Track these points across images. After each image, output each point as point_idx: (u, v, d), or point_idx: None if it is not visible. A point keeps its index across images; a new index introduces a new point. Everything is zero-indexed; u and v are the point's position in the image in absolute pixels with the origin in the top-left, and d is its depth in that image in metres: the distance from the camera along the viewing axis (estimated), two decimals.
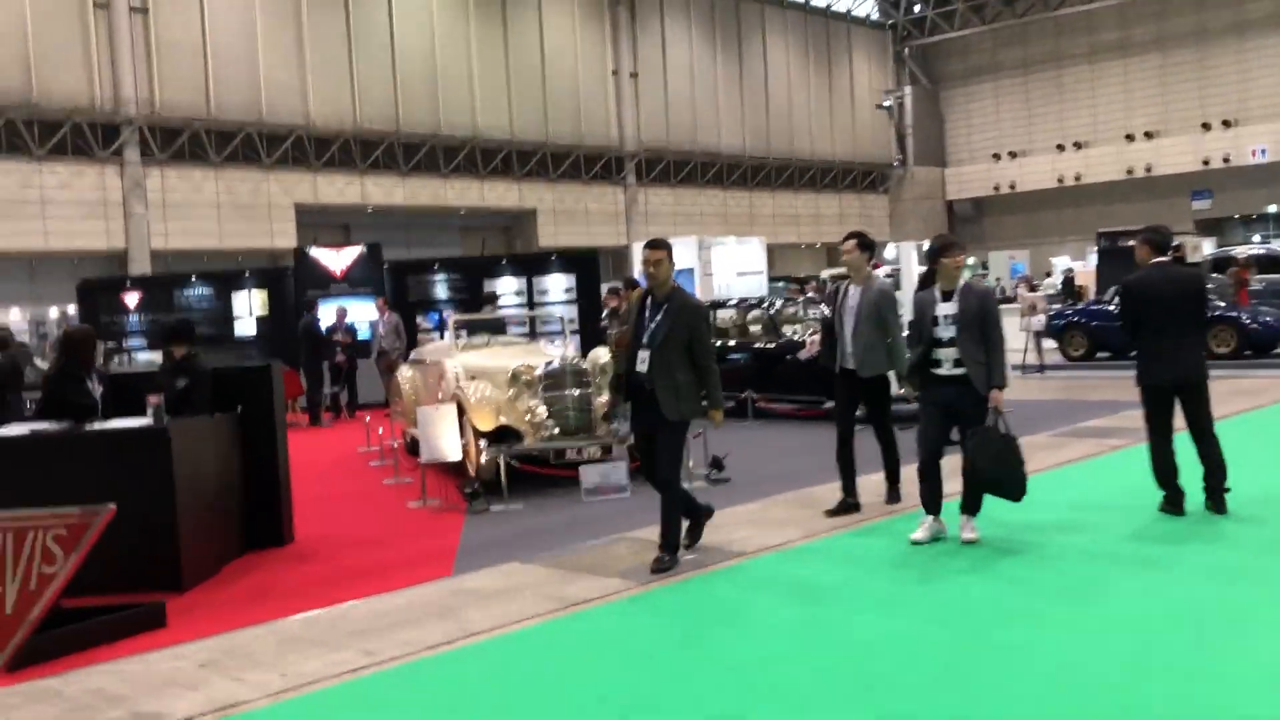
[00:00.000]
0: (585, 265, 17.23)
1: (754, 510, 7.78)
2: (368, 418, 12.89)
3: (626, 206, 42.86)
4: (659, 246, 6.60)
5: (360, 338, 16.23)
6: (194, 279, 17.83)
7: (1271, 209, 46.89)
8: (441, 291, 17.37)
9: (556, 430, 8.84)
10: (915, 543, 6.45)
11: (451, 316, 11.60)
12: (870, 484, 7.80)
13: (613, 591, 5.80)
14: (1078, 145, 49.44)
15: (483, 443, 8.75)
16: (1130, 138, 48.08)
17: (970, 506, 6.50)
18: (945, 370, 6.46)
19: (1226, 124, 45.90)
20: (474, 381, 9.22)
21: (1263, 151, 45.34)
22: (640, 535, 7.01)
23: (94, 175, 29.20)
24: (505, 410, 8.94)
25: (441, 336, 16.77)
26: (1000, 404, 6.37)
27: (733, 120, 45.80)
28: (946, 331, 6.45)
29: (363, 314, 16.72)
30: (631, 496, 8.36)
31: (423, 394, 11.15)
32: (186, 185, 31.07)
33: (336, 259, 17.38)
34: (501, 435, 8.91)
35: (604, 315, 12.96)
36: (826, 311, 7.98)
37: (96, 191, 29.23)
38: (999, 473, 6.29)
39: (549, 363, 9.14)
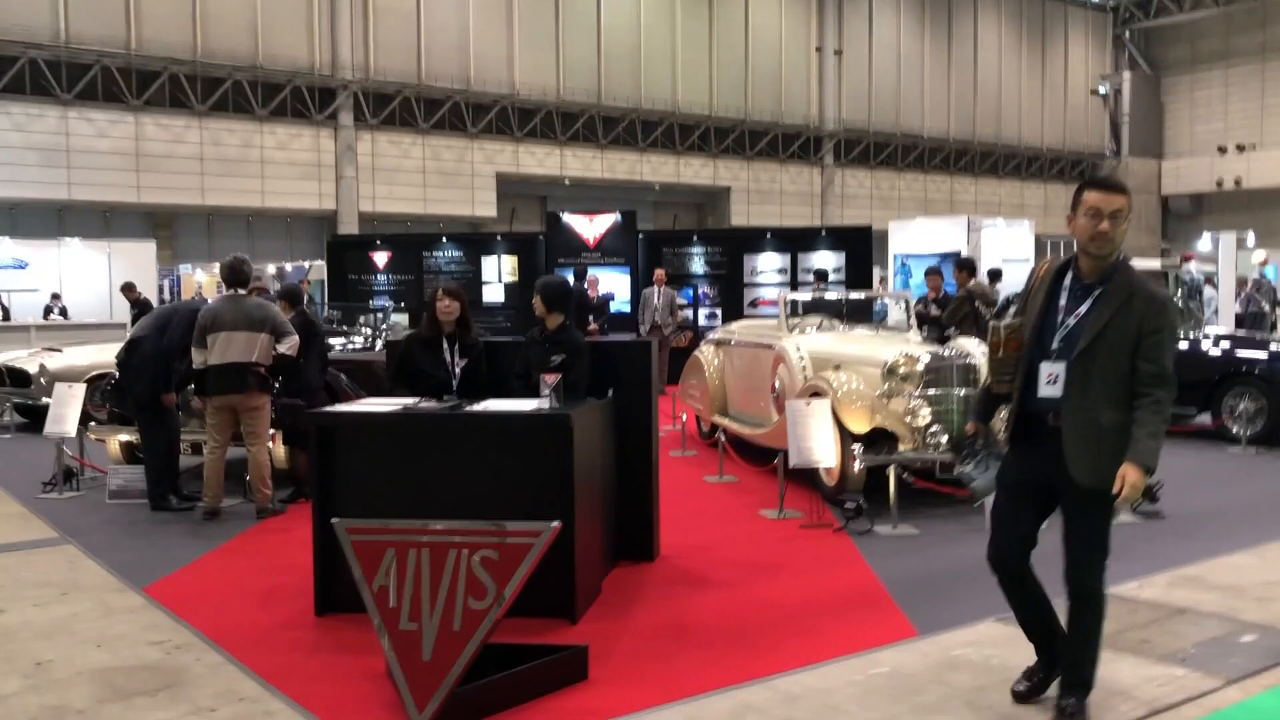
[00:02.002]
0: (856, 241, 15.64)
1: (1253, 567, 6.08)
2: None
3: (823, 188, 41.15)
4: (1121, 190, 3.83)
5: (614, 310, 15.07)
6: (444, 240, 16.99)
7: None
8: (698, 265, 16.08)
9: (946, 437, 7.30)
10: None
11: (783, 294, 10.07)
12: None
13: (1200, 692, 4.22)
14: None
15: (856, 447, 7.27)
16: None
17: None
18: None
19: None
20: (838, 372, 7.74)
21: None
22: (1120, 592, 5.41)
23: (309, 137, 29.20)
24: (879, 409, 7.46)
25: (695, 313, 15.51)
26: None
27: (938, 102, 43.46)
28: None
29: (611, 284, 15.57)
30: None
31: (733, 380, 9.78)
32: (395, 150, 30.89)
33: (590, 226, 16.30)
34: (870, 440, 7.44)
35: (918, 301, 11.29)
36: None
37: (311, 153, 29.26)
38: None
39: (930, 354, 7.59)
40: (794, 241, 16.10)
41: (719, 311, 15.82)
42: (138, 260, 20.02)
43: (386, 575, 4.09)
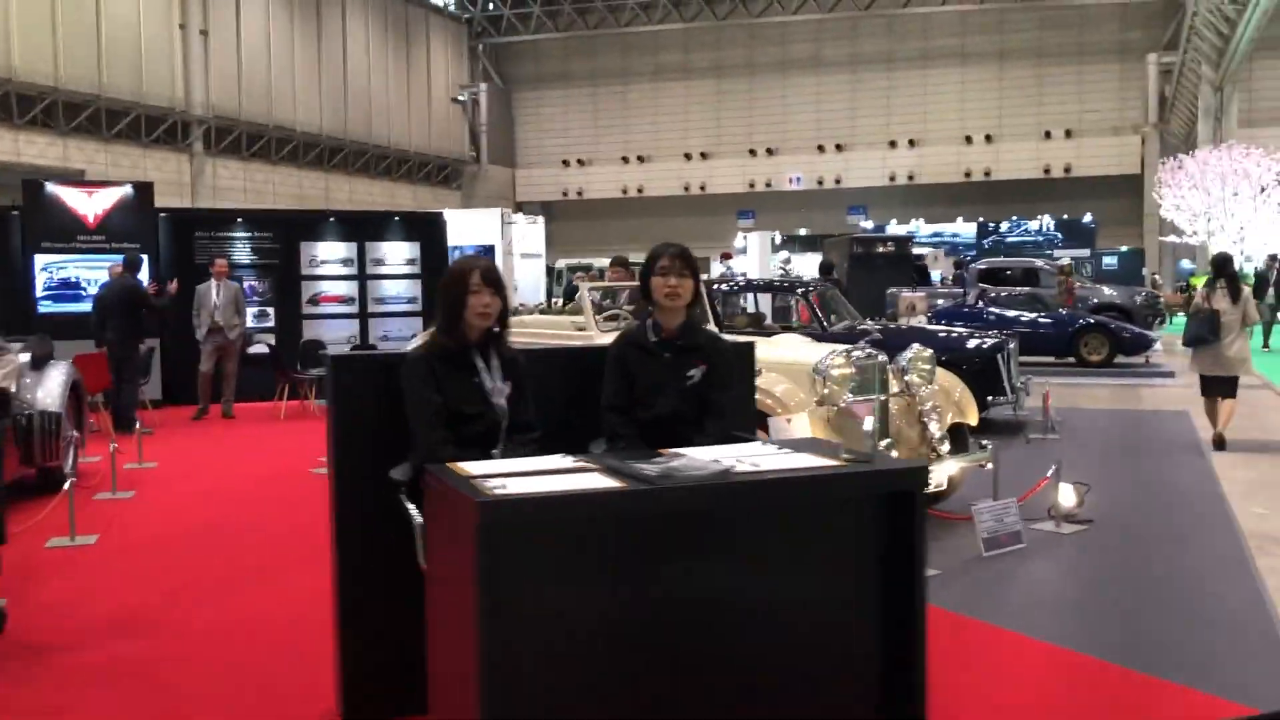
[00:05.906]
0: (430, 230, 13.44)
1: None
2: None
3: (193, 177, 37.09)
4: None
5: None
6: None
7: (802, 231, 51.82)
8: (243, 254, 12.63)
9: (895, 453, 6.11)
10: None
11: (583, 281, 7.76)
12: None
13: None
14: (641, 159, 51.19)
15: None
16: (688, 156, 50.72)
17: None
18: None
19: (770, 151, 49.88)
20: (765, 377, 6.09)
21: (798, 179, 49.94)
22: None
23: None
24: (821, 420, 6.04)
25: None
26: None
27: (310, 97, 41.46)
28: None
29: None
30: (1029, 548, 5.99)
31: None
32: None
33: (89, 202, 11.91)
34: None
35: (603, 296, 9.80)
36: None
37: None
38: None
39: (852, 354, 6.33)
40: (360, 228, 13.41)
41: (271, 310, 12.60)
42: None
43: None
